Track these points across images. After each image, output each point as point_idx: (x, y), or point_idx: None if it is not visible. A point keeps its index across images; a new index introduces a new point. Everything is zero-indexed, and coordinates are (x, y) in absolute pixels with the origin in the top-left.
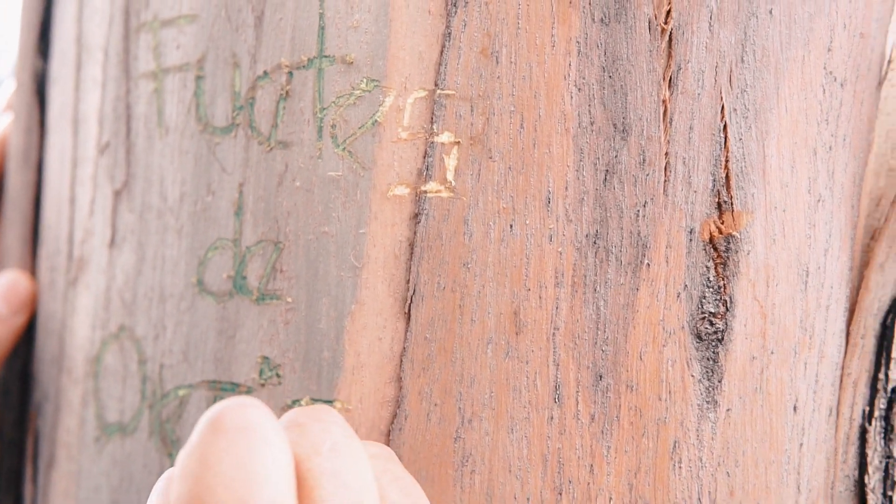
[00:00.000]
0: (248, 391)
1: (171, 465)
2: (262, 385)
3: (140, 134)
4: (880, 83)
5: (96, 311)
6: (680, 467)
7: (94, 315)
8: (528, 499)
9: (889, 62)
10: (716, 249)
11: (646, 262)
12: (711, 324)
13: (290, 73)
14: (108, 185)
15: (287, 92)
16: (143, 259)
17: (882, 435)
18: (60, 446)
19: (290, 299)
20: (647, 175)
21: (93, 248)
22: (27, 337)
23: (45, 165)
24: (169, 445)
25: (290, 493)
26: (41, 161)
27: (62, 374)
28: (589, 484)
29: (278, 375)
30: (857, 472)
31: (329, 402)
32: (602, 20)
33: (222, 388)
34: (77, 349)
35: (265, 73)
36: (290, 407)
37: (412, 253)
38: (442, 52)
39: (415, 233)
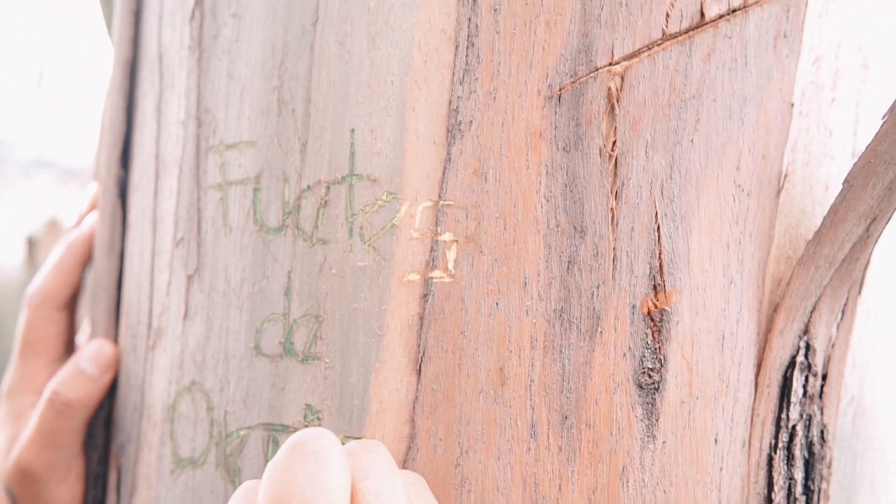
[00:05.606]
0: (296, 431)
1: (234, 490)
2: (306, 426)
3: (208, 232)
4: (779, 192)
5: (172, 369)
6: (627, 486)
7: (170, 372)
8: None
9: (785, 176)
10: (652, 320)
11: (599, 330)
12: (650, 376)
13: (328, 187)
14: (182, 271)
15: (326, 201)
16: (210, 328)
17: (785, 462)
18: (141, 478)
19: (328, 360)
20: (600, 265)
21: (169, 320)
22: (110, 392)
23: (127, 254)
24: (232, 474)
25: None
26: (123, 251)
27: (143, 420)
28: (558, 499)
29: (319, 419)
30: (766, 491)
31: (358, 438)
32: (564, 148)
33: (275, 429)
34: (156, 399)
35: (308, 186)
36: None
37: (422, 324)
38: (444, 172)
39: (424, 309)
